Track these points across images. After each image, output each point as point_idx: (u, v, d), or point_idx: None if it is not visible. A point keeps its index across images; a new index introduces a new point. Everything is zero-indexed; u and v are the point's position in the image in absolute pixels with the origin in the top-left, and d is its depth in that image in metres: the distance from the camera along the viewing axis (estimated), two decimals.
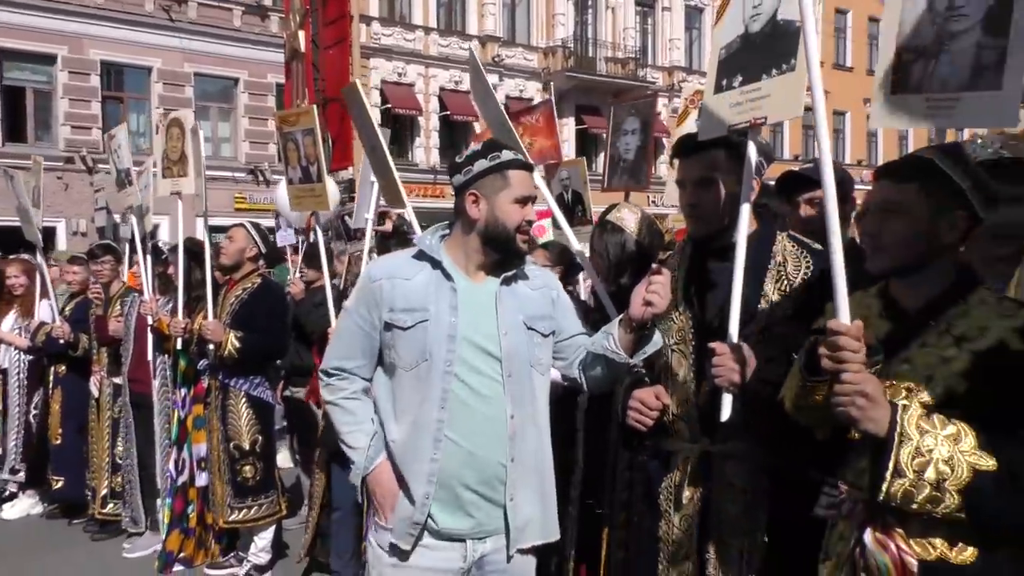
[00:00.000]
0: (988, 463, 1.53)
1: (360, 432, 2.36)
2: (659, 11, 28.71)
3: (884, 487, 1.56)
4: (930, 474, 1.53)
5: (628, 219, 3.22)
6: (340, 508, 4.26)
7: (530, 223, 2.33)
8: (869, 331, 1.75)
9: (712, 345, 2.15)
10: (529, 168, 2.37)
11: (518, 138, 3.19)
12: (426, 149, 23.50)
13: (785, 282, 2.30)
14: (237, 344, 4.56)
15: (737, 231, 2.23)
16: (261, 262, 4.93)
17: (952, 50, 2.23)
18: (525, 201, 2.31)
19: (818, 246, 2.39)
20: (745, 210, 2.24)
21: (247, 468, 4.67)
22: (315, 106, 4.17)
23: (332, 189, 4.24)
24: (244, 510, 4.68)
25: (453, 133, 24.00)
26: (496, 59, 25.17)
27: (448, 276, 2.29)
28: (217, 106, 21.62)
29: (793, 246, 2.36)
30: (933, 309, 1.71)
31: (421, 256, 2.34)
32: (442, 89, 24.14)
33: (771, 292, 2.30)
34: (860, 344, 1.61)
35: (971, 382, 1.58)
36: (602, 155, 9.98)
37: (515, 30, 26.08)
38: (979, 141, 1.68)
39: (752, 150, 2.26)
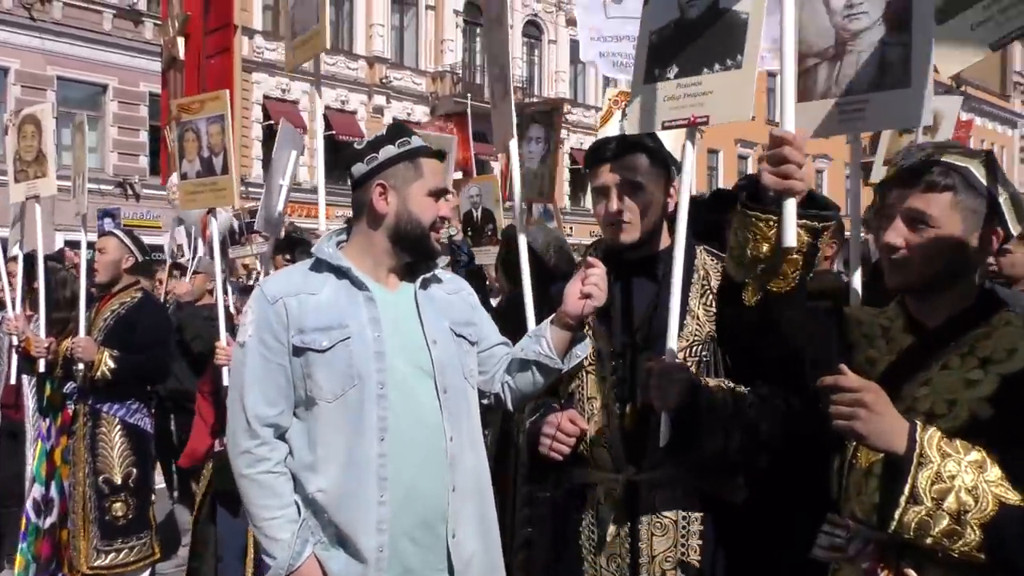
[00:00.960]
0: (1015, 497, 1.38)
1: (284, 519, 1.94)
2: (545, 43, 29.31)
3: (897, 514, 1.40)
4: (951, 503, 1.36)
5: (537, 237, 3.08)
6: (226, 554, 3.84)
7: (443, 220, 2.14)
8: (893, 344, 1.63)
9: (649, 364, 2.03)
10: (441, 157, 2.15)
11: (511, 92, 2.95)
12: (309, 168, 22.80)
13: (709, 296, 2.20)
14: (112, 364, 4.12)
15: (675, 239, 2.11)
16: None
17: (856, 50, 2.20)
18: (439, 194, 2.10)
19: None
20: (683, 215, 2.12)
21: (118, 505, 4.20)
22: (227, 93, 3.80)
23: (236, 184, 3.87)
24: (112, 554, 4.19)
25: (337, 154, 23.43)
26: (384, 80, 24.88)
27: (360, 285, 2.03)
28: (83, 113, 20.22)
29: (712, 259, 2.26)
30: (955, 329, 1.58)
31: (320, 267, 2.06)
32: (328, 108, 23.55)
33: (696, 307, 2.19)
34: (805, 156, 1.53)
35: (998, 408, 1.44)
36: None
37: (403, 53, 25.94)
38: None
39: (689, 149, 2.15)
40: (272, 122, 21.79)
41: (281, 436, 2.02)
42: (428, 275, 2.14)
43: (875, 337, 1.71)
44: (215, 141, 3.73)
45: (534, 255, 2.97)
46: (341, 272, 2.05)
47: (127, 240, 4.40)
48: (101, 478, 4.18)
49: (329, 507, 1.94)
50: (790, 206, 1.68)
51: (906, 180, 1.57)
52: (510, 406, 2.29)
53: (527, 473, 2.38)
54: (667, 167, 2.25)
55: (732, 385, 2.08)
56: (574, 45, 29.40)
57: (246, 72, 22.33)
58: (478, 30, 27.10)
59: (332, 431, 1.96)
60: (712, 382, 2.08)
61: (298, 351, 1.97)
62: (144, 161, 20.31)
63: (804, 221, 1.71)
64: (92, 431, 4.22)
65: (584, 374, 2.26)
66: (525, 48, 28.58)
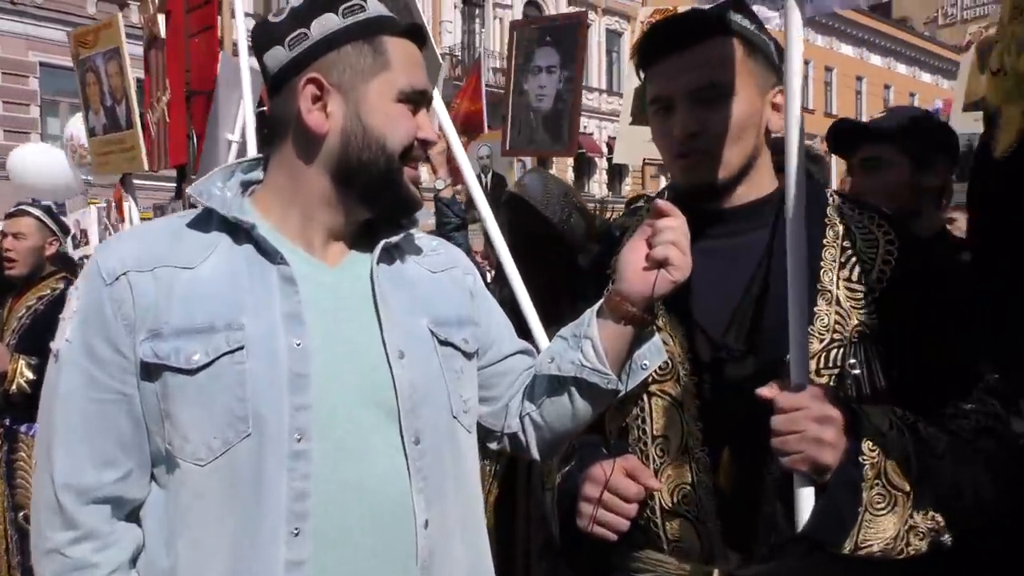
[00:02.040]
0: None
1: None
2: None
3: None
4: None
5: (533, 186, 2.22)
6: None
7: (424, 145, 1.28)
8: None
9: (768, 392, 1.23)
10: (419, 39, 1.30)
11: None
12: None
13: (856, 268, 1.36)
14: (30, 375, 3.38)
15: (787, 173, 1.28)
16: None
17: None
18: (417, 100, 1.26)
19: (887, 213, 1.50)
20: (795, 134, 1.30)
21: None
22: (119, 16, 3.00)
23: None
24: None
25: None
26: None
27: (271, 255, 1.21)
28: (68, 101, 19.45)
29: (854, 210, 1.44)
30: None
31: (207, 222, 1.24)
32: None
33: (833, 285, 1.36)
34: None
35: None
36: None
37: None
38: None
39: (795, 22, 1.31)
40: (264, 108, 20.97)
41: (131, 516, 1.19)
42: (396, 240, 1.31)
43: None
44: (115, 84, 2.91)
45: (530, 213, 2.13)
46: (241, 232, 1.22)
47: (48, 220, 3.56)
48: (21, 514, 3.49)
49: None
50: None
51: None
52: (535, 453, 1.46)
53: (565, 555, 1.54)
54: (772, 62, 1.41)
55: (912, 417, 1.25)
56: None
57: (234, 56, 21.41)
58: (477, 11, 26.29)
59: (206, 516, 1.13)
60: (876, 413, 1.25)
61: (150, 370, 1.15)
62: None
63: None
64: (8, 457, 3.56)
65: (648, 398, 1.44)
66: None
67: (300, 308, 1.18)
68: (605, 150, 25.65)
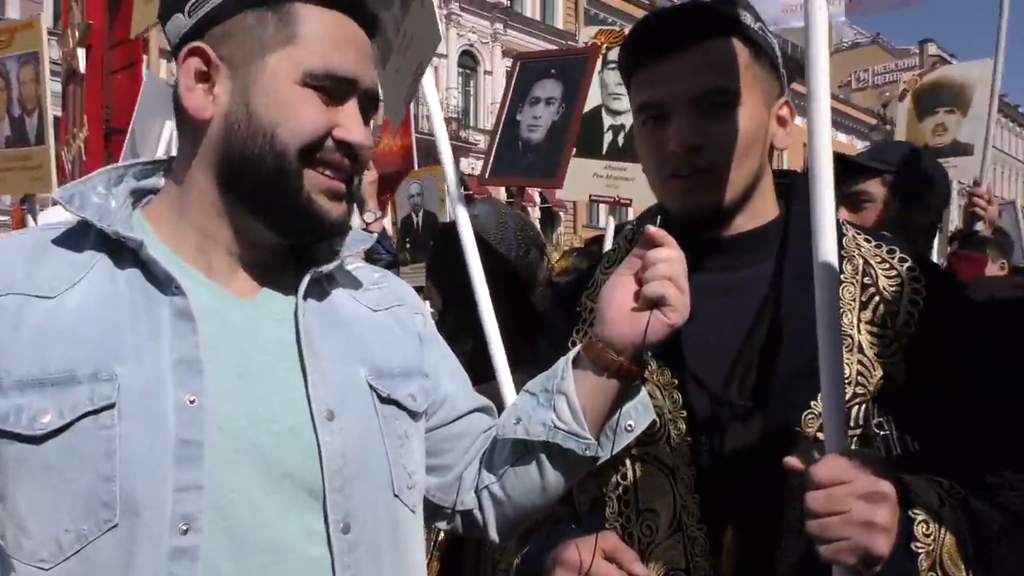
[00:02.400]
0: None
1: None
2: (481, 74, 28.69)
3: None
4: None
5: (484, 216, 1.99)
6: None
7: (347, 146, 0.98)
8: None
9: (794, 463, 1.00)
10: (359, 11, 1.02)
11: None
12: None
13: (880, 309, 1.16)
14: None
15: (813, 195, 1.06)
16: None
17: None
18: (339, 89, 0.98)
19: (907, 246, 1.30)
20: (824, 144, 1.07)
21: None
22: (41, 16, 2.70)
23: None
24: None
25: None
26: None
27: (164, 283, 0.94)
28: None
29: (872, 243, 1.24)
30: None
31: (84, 238, 0.97)
32: None
33: (855, 329, 1.15)
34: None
35: None
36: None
37: None
38: None
39: (821, 22, 1.10)
40: None
41: None
42: (328, 270, 1.04)
43: None
44: (27, 92, 2.58)
45: (483, 248, 1.88)
46: (126, 252, 0.94)
47: None
48: None
49: None
50: None
51: None
52: (493, 534, 1.18)
53: None
54: (778, 69, 1.22)
55: (962, 490, 1.04)
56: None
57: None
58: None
59: None
60: (922, 486, 1.02)
61: None
62: None
63: None
64: None
65: (631, 463, 1.20)
66: (460, 78, 27.94)
67: (197, 353, 0.90)
68: (538, 199, 25.82)
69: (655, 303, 1.05)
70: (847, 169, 2.04)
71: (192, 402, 0.88)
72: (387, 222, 3.88)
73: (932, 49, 41.86)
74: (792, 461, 0.98)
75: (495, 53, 28.60)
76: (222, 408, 0.90)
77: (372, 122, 1.09)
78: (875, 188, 2.06)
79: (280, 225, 0.99)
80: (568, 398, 1.08)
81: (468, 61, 28.46)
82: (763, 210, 1.23)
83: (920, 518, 0.97)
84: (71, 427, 0.84)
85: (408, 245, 3.73)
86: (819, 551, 0.95)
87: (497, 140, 2.85)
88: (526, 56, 3.51)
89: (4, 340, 0.86)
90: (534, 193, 26.37)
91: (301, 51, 0.95)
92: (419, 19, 1.91)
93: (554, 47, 28.21)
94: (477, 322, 1.74)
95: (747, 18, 1.18)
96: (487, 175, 2.93)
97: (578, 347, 1.13)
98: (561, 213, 26.37)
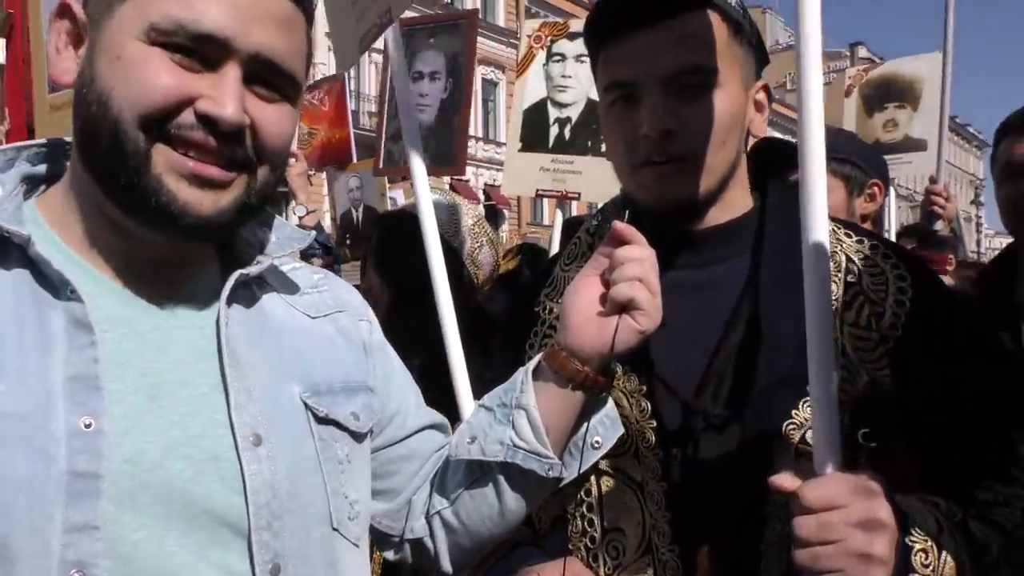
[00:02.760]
0: None
1: None
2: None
3: None
4: None
5: (439, 208, 1.86)
6: None
7: (210, 122, 0.80)
8: None
9: (782, 483, 0.89)
10: None
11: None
12: None
13: (864, 310, 1.07)
14: None
15: (803, 184, 0.93)
16: None
17: None
18: (195, 47, 0.79)
19: (892, 243, 1.25)
20: (814, 128, 0.94)
21: None
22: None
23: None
24: None
25: None
26: None
27: (56, 284, 0.79)
28: None
29: (853, 238, 1.14)
30: None
31: None
32: None
33: (840, 334, 1.05)
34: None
35: None
36: None
37: None
38: None
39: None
40: None
41: None
42: (257, 272, 0.90)
43: None
44: None
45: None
46: (12, 250, 0.80)
47: None
48: None
49: None
50: None
51: None
52: (445, 564, 1.06)
53: None
54: (755, 46, 1.12)
55: (959, 512, 0.96)
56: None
57: None
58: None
59: None
60: (917, 509, 0.94)
61: None
62: None
63: None
64: None
65: (596, 478, 1.10)
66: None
67: (96, 369, 0.76)
68: (482, 197, 25.60)
69: (624, 307, 0.94)
70: (785, 157, 1.99)
71: (88, 426, 0.74)
72: (326, 219, 3.70)
73: (862, 52, 43.16)
74: (779, 481, 0.88)
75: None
76: (126, 434, 0.76)
77: (301, 107, 0.94)
78: (831, 180, 1.96)
79: (135, 211, 0.81)
80: (528, 413, 0.97)
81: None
82: (735, 202, 1.13)
83: (918, 547, 0.89)
84: None
85: (348, 241, 3.58)
86: (801, 567, 0.85)
87: (383, 127, 2.69)
88: (403, 23, 3.28)
89: None
90: (477, 190, 26.21)
91: (150, 0, 0.79)
92: None
93: (499, 46, 28.04)
94: (430, 323, 1.59)
95: None
96: (380, 165, 2.77)
97: (539, 356, 1.02)
98: (504, 210, 26.12)
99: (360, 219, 3.52)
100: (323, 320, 0.98)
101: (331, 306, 1.00)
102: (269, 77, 0.83)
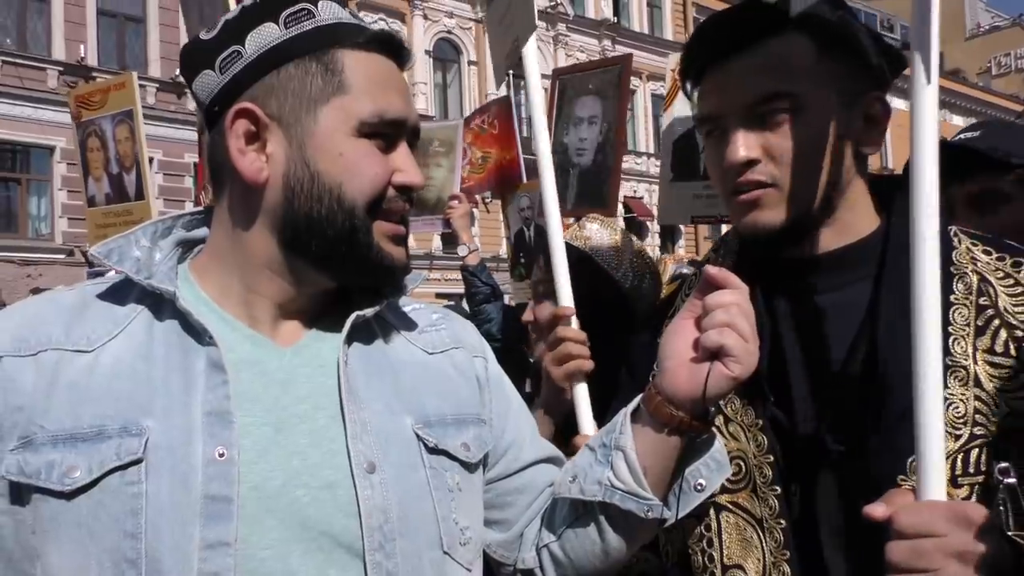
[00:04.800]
0: None
1: None
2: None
3: None
4: None
5: (601, 242, 1.81)
6: None
7: (407, 190, 0.98)
8: None
9: (875, 512, 0.86)
10: (397, 51, 1.00)
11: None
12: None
13: (1001, 334, 0.99)
14: None
15: (913, 206, 0.91)
16: None
17: None
18: (392, 132, 0.96)
19: None
20: (931, 143, 0.92)
21: None
22: (134, 75, 2.84)
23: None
24: None
25: None
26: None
27: (200, 333, 0.92)
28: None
29: (990, 254, 1.06)
30: None
31: (127, 291, 0.97)
32: None
33: (970, 359, 0.99)
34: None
35: None
36: None
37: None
38: None
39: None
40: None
41: None
42: (374, 312, 1.00)
43: None
44: (124, 150, 2.70)
45: (596, 274, 1.75)
46: (165, 305, 0.94)
47: None
48: None
49: None
50: None
51: None
52: None
53: None
54: (865, 60, 1.08)
55: None
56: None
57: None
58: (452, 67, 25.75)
59: None
60: None
61: (20, 491, 0.85)
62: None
63: None
64: None
65: (716, 513, 1.09)
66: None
67: (228, 404, 0.88)
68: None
69: (715, 353, 0.94)
70: (971, 162, 1.75)
71: (221, 456, 0.85)
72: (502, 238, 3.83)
73: None
74: (871, 509, 0.85)
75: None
76: (254, 463, 0.87)
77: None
78: (1010, 186, 1.74)
79: (351, 278, 0.99)
80: (626, 454, 0.99)
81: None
82: (855, 224, 1.09)
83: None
84: (99, 483, 0.83)
85: (522, 259, 3.70)
86: None
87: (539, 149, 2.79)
88: (563, 71, 3.37)
89: (39, 396, 0.87)
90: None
91: (351, 100, 0.93)
92: None
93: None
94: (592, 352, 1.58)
95: (823, 8, 1.05)
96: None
97: (638, 398, 1.03)
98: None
99: (532, 237, 3.62)
100: (440, 356, 1.06)
101: (447, 343, 1.08)
102: (413, 139, 1.01)
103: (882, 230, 1.10)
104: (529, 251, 3.65)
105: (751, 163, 1.05)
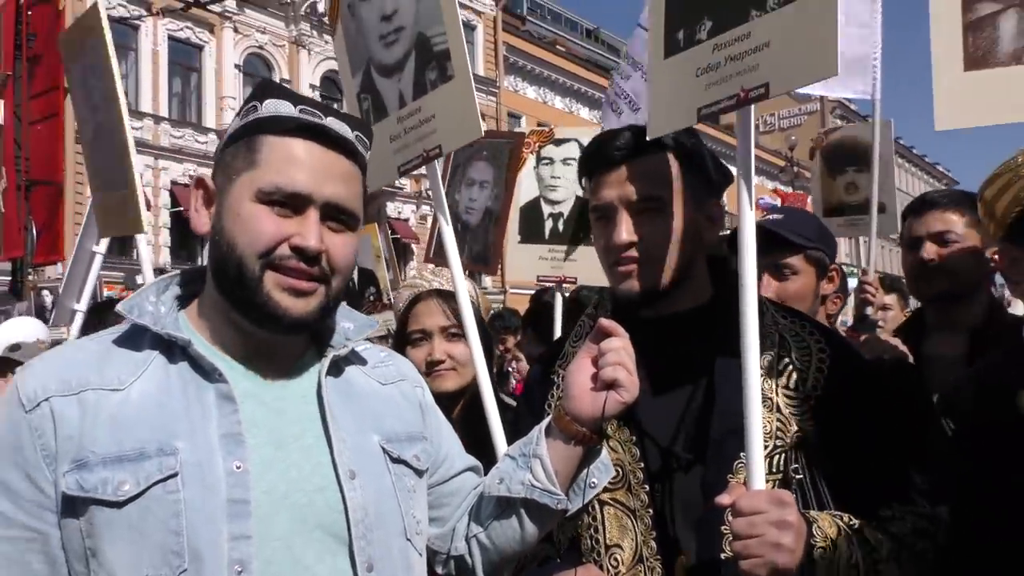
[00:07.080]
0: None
1: None
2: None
3: None
4: None
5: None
6: None
7: (300, 251, 1.15)
8: None
9: (725, 497, 1.27)
10: (319, 136, 1.18)
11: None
12: (155, 248, 20.92)
13: (793, 375, 1.45)
14: None
15: (741, 278, 1.37)
16: None
17: None
18: (291, 202, 1.15)
19: (816, 321, 1.65)
20: (749, 238, 1.40)
21: None
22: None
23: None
24: None
25: (185, 230, 21.71)
26: None
27: (209, 372, 1.16)
28: None
29: (787, 319, 1.54)
30: None
31: (140, 339, 1.18)
32: (174, 183, 21.91)
33: (773, 392, 1.44)
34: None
35: None
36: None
37: None
38: None
39: (747, 128, 1.46)
40: (181, 208, 20.41)
41: None
42: (344, 352, 1.28)
43: None
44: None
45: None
46: (176, 349, 1.17)
47: None
48: None
49: None
50: None
51: None
52: (481, 575, 1.41)
53: None
54: (708, 175, 1.51)
55: (858, 522, 1.33)
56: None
57: (151, 157, 20.89)
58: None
59: None
60: (825, 519, 1.31)
61: (75, 504, 1.06)
62: None
63: None
64: None
65: (600, 507, 1.45)
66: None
67: (240, 428, 1.13)
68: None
69: (610, 384, 1.28)
70: (772, 241, 2.24)
71: (238, 468, 1.10)
72: None
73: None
74: (721, 498, 1.26)
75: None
76: (263, 474, 1.12)
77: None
78: (799, 263, 2.26)
79: (252, 317, 1.17)
80: (543, 461, 1.31)
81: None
82: (696, 293, 1.51)
83: (819, 544, 1.26)
84: (145, 493, 1.05)
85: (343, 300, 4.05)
86: (740, 565, 1.22)
87: (437, 225, 3.11)
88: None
89: (87, 428, 1.07)
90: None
91: (259, 173, 1.15)
92: (450, 100, 1.89)
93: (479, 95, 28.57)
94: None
95: (683, 135, 1.48)
96: (430, 255, 3.18)
97: (548, 418, 1.36)
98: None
99: (355, 279, 3.93)
100: (390, 386, 1.35)
101: (395, 376, 1.38)
102: (337, 216, 1.18)
103: (716, 297, 1.52)
104: (351, 292, 3.97)
105: (630, 244, 1.44)
